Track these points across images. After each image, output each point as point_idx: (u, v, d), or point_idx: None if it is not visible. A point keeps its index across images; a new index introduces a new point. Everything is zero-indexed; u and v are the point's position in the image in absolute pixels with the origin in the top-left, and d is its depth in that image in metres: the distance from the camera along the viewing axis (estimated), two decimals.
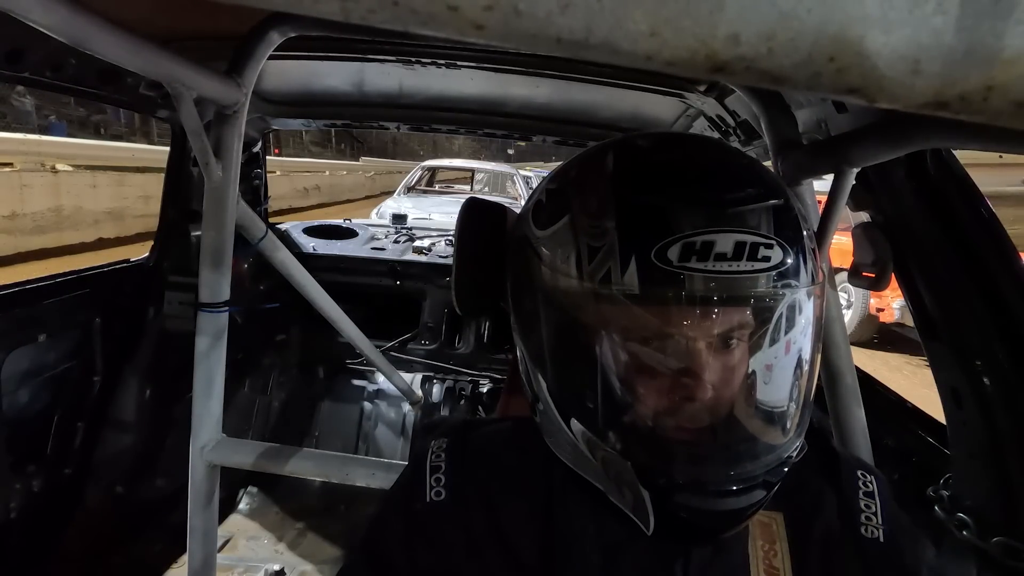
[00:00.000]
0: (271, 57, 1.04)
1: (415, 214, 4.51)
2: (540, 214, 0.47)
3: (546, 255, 0.45)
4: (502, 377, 2.18)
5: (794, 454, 0.44)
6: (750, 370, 0.43)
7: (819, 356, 0.45)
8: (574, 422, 0.44)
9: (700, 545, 0.48)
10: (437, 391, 2.23)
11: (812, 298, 0.42)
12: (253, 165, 1.90)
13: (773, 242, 0.40)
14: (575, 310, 0.43)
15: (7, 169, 6.11)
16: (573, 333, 0.44)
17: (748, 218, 0.40)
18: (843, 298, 4.66)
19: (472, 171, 8.46)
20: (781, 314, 0.41)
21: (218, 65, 0.99)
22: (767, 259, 0.39)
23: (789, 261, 0.40)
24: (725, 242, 0.39)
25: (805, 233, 0.43)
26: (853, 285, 0.83)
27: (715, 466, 0.42)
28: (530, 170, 9.62)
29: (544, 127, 1.73)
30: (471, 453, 0.54)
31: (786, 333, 0.42)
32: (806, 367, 0.44)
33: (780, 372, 0.43)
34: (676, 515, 0.42)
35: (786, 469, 0.43)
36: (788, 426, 0.44)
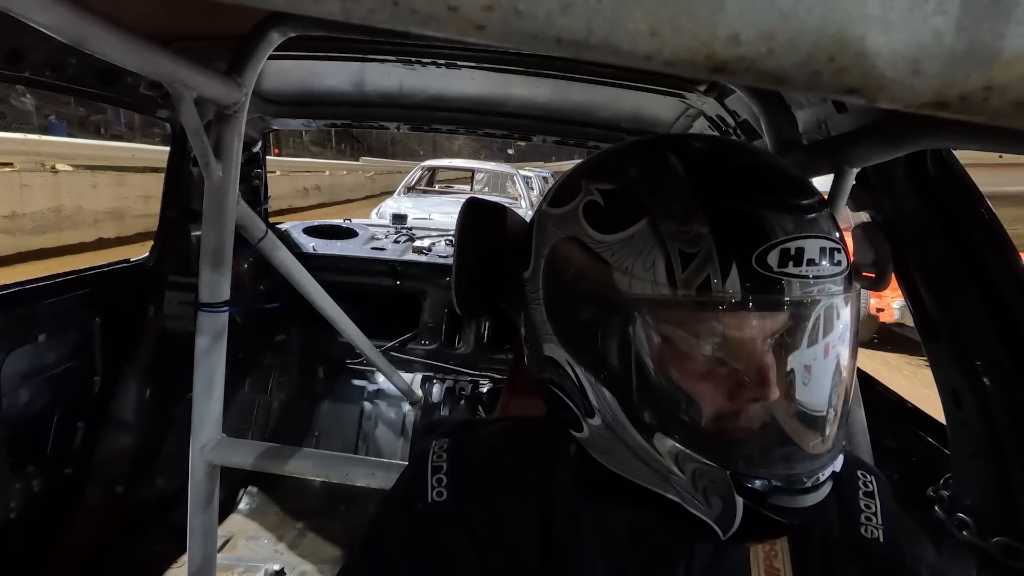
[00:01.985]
0: (271, 57, 1.04)
1: (415, 214, 4.50)
2: (599, 217, 0.44)
3: (617, 262, 0.42)
4: (502, 377, 2.18)
5: (844, 443, 0.46)
6: (829, 370, 0.44)
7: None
8: (660, 437, 0.43)
9: (771, 539, 0.49)
10: (437, 391, 2.23)
11: (856, 298, 0.45)
12: (253, 165, 1.90)
13: (840, 246, 0.42)
14: (665, 320, 0.42)
15: (7, 169, 6.11)
16: (657, 344, 0.42)
17: (822, 224, 0.42)
18: None
19: (472, 171, 8.47)
20: (848, 313, 0.44)
21: (218, 65, 0.99)
22: (840, 263, 0.42)
23: (849, 263, 0.43)
24: (813, 248, 0.40)
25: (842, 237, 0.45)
26: None
27: (800, 466, 0.43)
28: (530, 170, 9.62)
29: (544, 127, 1.73)
30: (472, 453, 0.54)
31: (848, 331, 0.44)
32: (855, 363, 0.47)
33: (845, 370, 0.45)
34: (764, 517, 0.42)
35: (842, 461, 0.45)
36: (843, 420, 0.46)
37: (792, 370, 0.43)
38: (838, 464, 0.45)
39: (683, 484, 0.43)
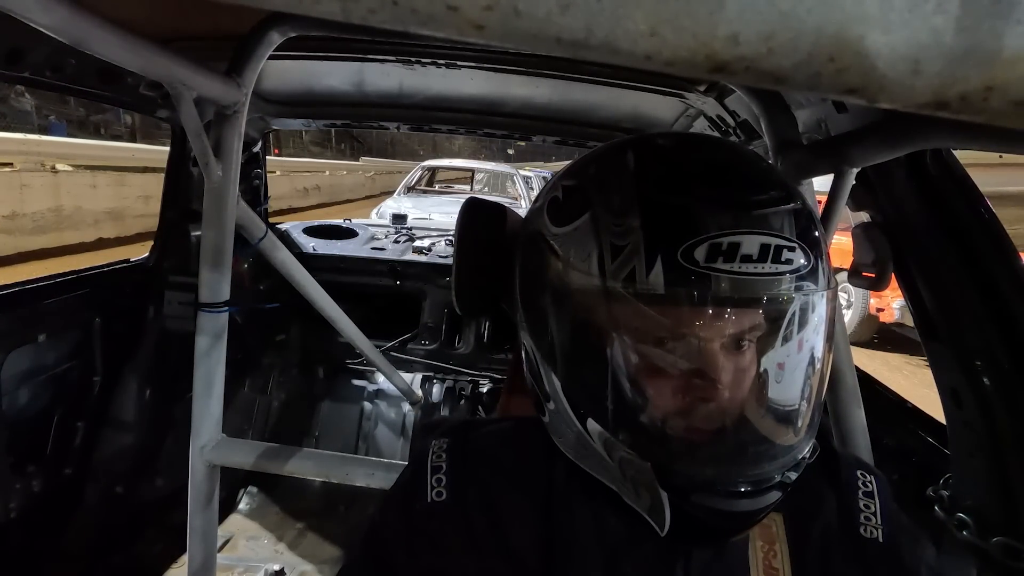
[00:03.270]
0: (271, 57, 1.04)
1: (415, 214, 4.51)
2: (557, 211, 0.46)
3: (564, 253, 0.44)
4: (502, 377, 2.18)
5: (807, 455, 0.44)
6: (765, 371, 0.43)
7: (831, 357, 0.46)
8: (591, 423, 0.44)
9: (712, 546, 0.48)
10: (437, 391, 2.23)
11: (826, 300, 0.43)
12: (253, 165, 1.90)
13: (795, 245, 0.40)
14: (595, 309, 0.43)
15: (7, 169, 6.11)
16: (591, 333, 0.43)
17: (772, 220, 0.40)
18: (843, 298, 4.66)
19: (472, 171, 8.46)
20: (797, 315, 0.42)
21: (218, 65, 0.99)
22: (790, 261, 0.40)
23: (809, 264, 0.41)
24: (751, 244, 0.39)
25: (819, 236, 0.43)
26: (853, 285, 0.83)
27: (734, 467, 0.42)
28: (530, 170, 9.62)
29: (544, 127, 1.73)
30: (472, 453, 0.54)
31: (799, 334, 0.43)
32: (819, 368, 0.44)
33: (794, 373, 0.44)
34: (693, 516, 0.42)
35: (800, 470, 0.43)
36: (801, 426, 0.44)
37: (722, 367, 0.41)
38: (791, 475, 0.43)
39: (615, 473, 0.44)
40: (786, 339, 0.42)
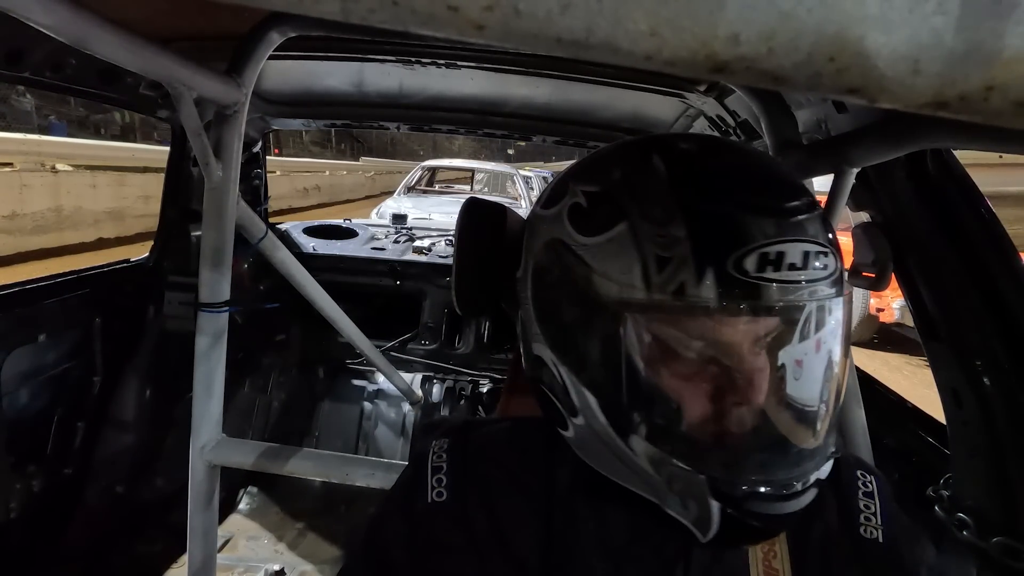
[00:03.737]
0: (271, 57, 1.04)
1: (415, 214, 4.51)
2: (582, 219, 0.44)
3: (597, 264, 0.42)
4: (502, 377, 2.18)
5: (835, 450, 0.45)
6: (808, 375, 0.43)
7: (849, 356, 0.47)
8: (635, 439, 0.43)
9: (753, 544, 0.48)
10: (437, 391, 2.23)
11: (845, 301, 0.44)
12: (253, 165, 1.91)
13: (827, 250, 0.41)
14: (640, 323, 0.41)
15: (7, 169, 6.11)
16: (636, 348, 0.42)
17: (807, 227, 0.41)
18: None
19: (472, 171, 8.47)
20: (833, 319, 0.43)
21: (218, 65, 0.99)
22: (826, 267, 0.41)
23: (838, 267, 0.42)
24: (795, 252, 0.39)
25: (836, 238, 0.44)
26: (853, 285, 0.82)
27: (782, 471, 0.42)
28: (530, 170, 9.61)
29: (544, 127, 1.73)
30: (472, 453, 0.54)
31: (833, 336, 0.43)
32: (843, 367, 0.45)
33: (830, 375, 0.44)
34: (742, 522, 0.42)
35: (830, 464, 0.44)
36: (832, 423, 0.45)
37: (771, 375, 0.42)
38: (824, 471, 0.44)
39: (660, 486, 0.43)
40: (823, 342, 0.43)
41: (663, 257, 0.39)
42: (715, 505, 0.41)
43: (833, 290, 0.41)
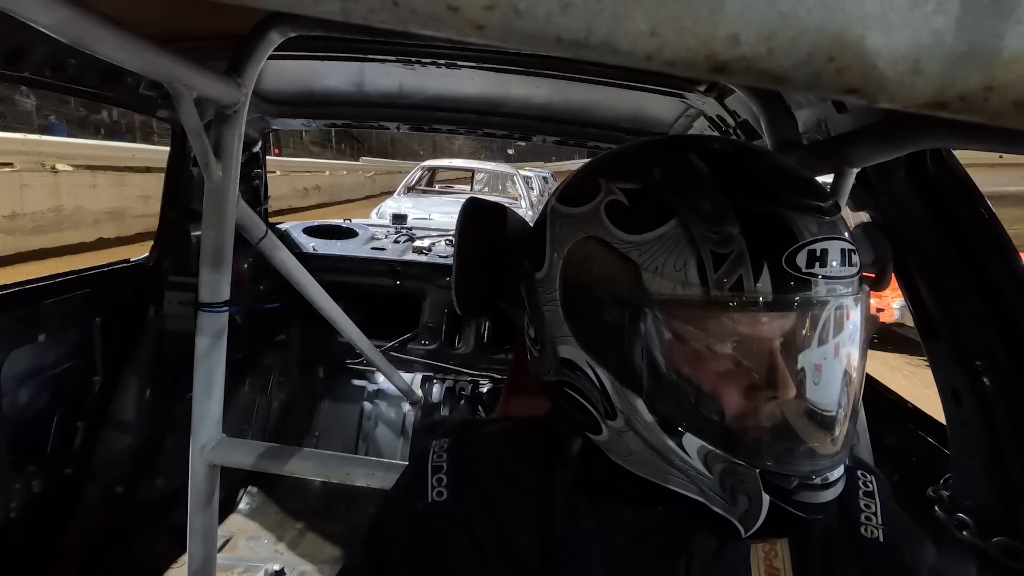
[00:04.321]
0: (271, 57, 1.04)
1: (415, 214, 4.51)
2: (625, 216, 0.43)
3: (647, 262, 0.42)
4: (502, 377, 2.18)
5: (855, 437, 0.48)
6: (846, 366, 0.45)
7: None
8: (688, 437, 0.42)
9: (790, 536, 0.50)
10: (437, 391, 2.23)
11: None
12: (253, 165, 1.90)
13: (855, 247, 0.43)
14: (696, 320, 0.42)
15: (7, 169, 6.11)
16: (691, 345, 0.42)
17: (840, 225, 0.43)
18: None
19: (472, 171, 8.46)
20: (864, 312, 0.45)
21: (218, 65, 0.99)
22: (856, 264, 0.43)
23: (860, 264, 0.44)
24: (836, 249, 0.41)
25: None
26: None
27: (825, 460, 0.44)
28: (530, 170, 9.61)
29: (544, 127, 1.73)
30: (473, 453, 0.54)
31: (862, 329, 0.46)
32: (865, 363, 0.48)
33: (857, 369, 0.46)
34: (788, 513, 0.43)
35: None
36: (854, 417, 0.47)
37: (813, 369, 0.44)
38: (848, 459, 0.46)
39: (710, 484, 0.43)
40: (856, 334, 0.45)
41: (720, 254, 0.40)
42: (766, 498, 0.42)
43: (864, 284, 0.44)
